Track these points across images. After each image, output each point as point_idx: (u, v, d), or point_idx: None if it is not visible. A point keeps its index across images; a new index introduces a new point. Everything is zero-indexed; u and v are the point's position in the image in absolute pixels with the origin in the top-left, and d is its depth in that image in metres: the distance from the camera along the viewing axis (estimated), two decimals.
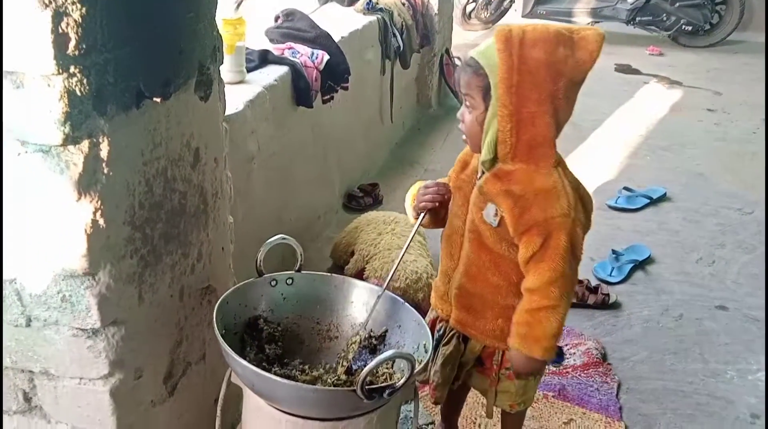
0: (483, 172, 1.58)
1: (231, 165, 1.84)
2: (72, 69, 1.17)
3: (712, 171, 4.19)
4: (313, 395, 1.42)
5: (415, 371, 1.39)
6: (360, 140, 3.72)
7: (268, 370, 1.54)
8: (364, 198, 3.49)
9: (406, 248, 1.67)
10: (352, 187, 3.58)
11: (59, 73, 1.15)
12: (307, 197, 3.10)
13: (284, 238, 1.68)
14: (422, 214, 1.68)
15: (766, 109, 4.84)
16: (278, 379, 1.39)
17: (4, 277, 1.33)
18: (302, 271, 1.71)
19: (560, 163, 1.53)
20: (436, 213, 1.71)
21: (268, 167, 2.59)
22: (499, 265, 1.60)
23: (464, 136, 1.60)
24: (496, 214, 1.54)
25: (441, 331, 1.76)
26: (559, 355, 2.47)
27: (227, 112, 1.96)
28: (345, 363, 1.60)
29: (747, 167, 4.24)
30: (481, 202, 1.57)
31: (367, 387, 1.33)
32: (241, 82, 2.49)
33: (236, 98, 2.34)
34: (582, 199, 1.55)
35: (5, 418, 1.50)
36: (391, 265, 1.71)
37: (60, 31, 1.13)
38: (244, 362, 1.40)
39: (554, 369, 2.44)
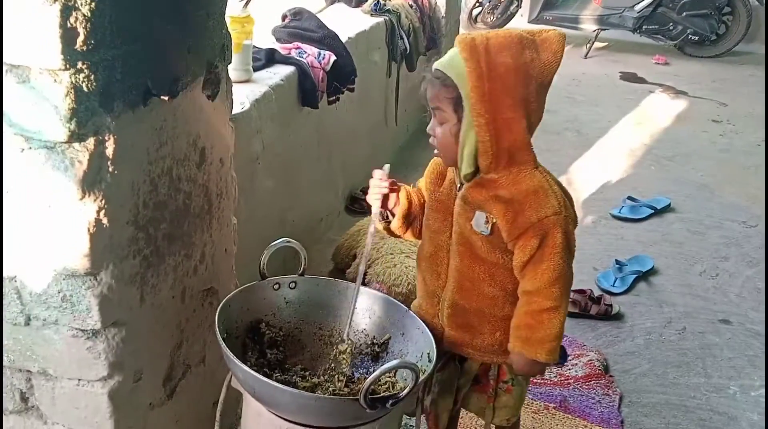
0: (461, 183, 1.54)
1: (235, 165, 1.81)
2: (79, 65, 1.15)
3: (716, 182, 4.18)
4: (315, 403, 1.39)
5: (419, 381, 1.37)
6: (364, 142, 3.69)
7: (269, 376, 1.52)
8: (366, 201, 3.46)
9: (367, 252, 1.63)
10: (355, 189, 3.56)
11: (66, 69, 1.13)
12: (310, 199, 3.07)
13: (288, 242, 1.66)
14: (376, 211, 1.61)
15: (767, 122, 4.82)
16: (279, 385, 1.37)
17: (6, 274, 1.30)
18: (306, 275, 1.68)
19: (538, 164, 1.51)
20: (407, 218, 1.65)
21: (273, 168, 2.57)
22: (493, 275, 1.55)
23: (436, 151, 1.54)
24: (487, 222, 1.49)
25: None
26: (562, 356, 2.42)
27: (233, 112, 1.94)
28: (342, 377, 1.56)
29: (751, 180, 4.22)
30: (468, 211, 1.52)
31: (370, 396, 1.31)
32: (247, 80, 2.47)
33: (242, 97, 2.31)
34: (566, 195, 1.54)
35: None
36: (363, 260, 1.63)
37: (68, 25, 1.11)
38: (246, 368, 1.37)
39: (555, 380, 2.42)
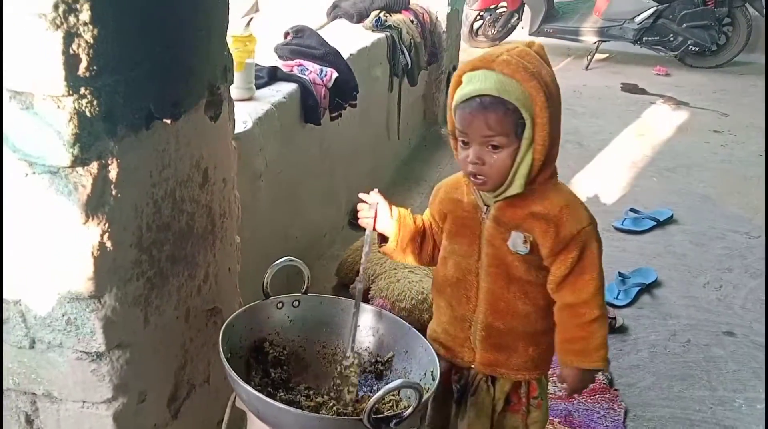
0: (487, 205, 1.53)
1: (238, 183, 1.82)
2: (82, 90, 1.16)
3: (718, 193, 4.17)
4: (319, 424, 1.40)
5: (423, 400, 1.37)
6: (366, 157, 3.70)
7: (273, 396, 1.53)
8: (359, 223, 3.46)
9: (363, 269, 1.60)
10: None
11: (69, 95, 1.14)
12: (313, 214, 3.08)
13: (291, 261, 1.66)
14: (368, 233, 1.59)
15: (767, 134, 4.82)
16: (283, 406, 1.37)
17: (10, 298, 1.31)
18: (309, 294, 1.69)
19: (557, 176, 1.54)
20: (419, 244, 1.65)
21: (275, 185, 2.58)
22: (527, 293, 1.55)
23: (481, 179, 1.47)
24: (525, 241, 1.49)
25: (462, 381, 1.67)
26: None
27: (236, 131, 1.95)
28: (352, 388, 1.56)
29: (754, 190, 4.22)
30: (503, 232, 1.51)
31: (373, 416, 1.31)
32: (250, 98, 2.49)
33: (245, 115, 2.33)
34: None
35: None
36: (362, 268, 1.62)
37: (71, 52, 1.12)
38: (250, 388, 1.38)
39: (560, 394, 2.41)
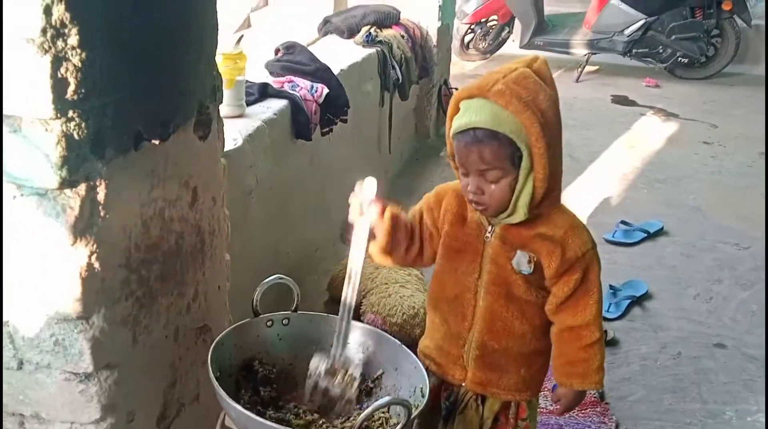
0: (491, 225, 1.53)
1: (229, 199, 1.83)
2: (70, 113, 1.16)
3: (708, 205, 4.20)
4: None
5: (412, 417, 1.37)
6: (358, 172, 3.67)
7: (263, 414, 1.52)
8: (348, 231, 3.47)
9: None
10: None
11: (57, 118, 1.15)
12: (305, 230, 3.09)
13: (281, 278, 1.67)
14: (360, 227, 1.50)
15: (767, 144, 4.85)
16: (273, 424, 1.36)
17: None
18: (299, 312, 1.69)
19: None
20: (405, 249, 1.59)
21: (266, 201, 2.58)
22: (525, 313, 1.56)
23: (481, 206, 1.47)
24: (529, 261, 1.49)
25: (452, 399, 1.67)
26: None
27: (226, 148, 1.96)
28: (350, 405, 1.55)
29: (743, 201, 4.25)
30: (508, 251, 1.51)
31: None
32: (240, 115, 2.50)
33: (235, 132, 2.34)
34: None
35: None
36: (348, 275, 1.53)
37: (59, 76, 1.13)
38: (239, 407, 1.38)
39: (551, 408, 2.41)
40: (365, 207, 1.51)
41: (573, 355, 1.55)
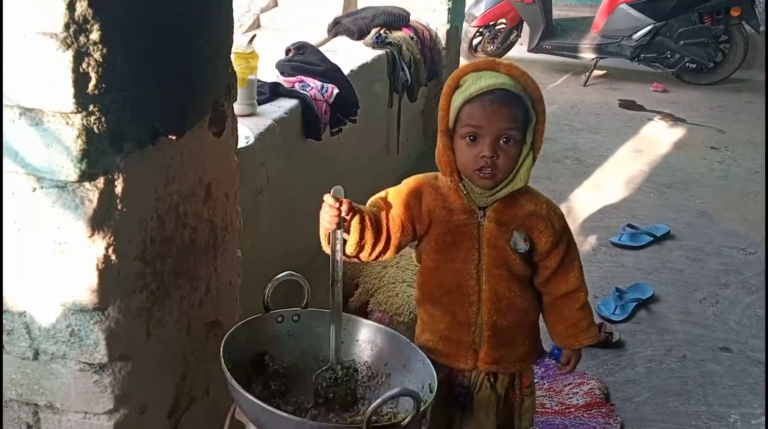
0: (481, 208, 1.58)
1: (240, 197, 1.85)
2: (91, 107, 1.19)
3: (715, 209, 4.20)
4: None
5: (421, 410, 1.39)
6: (366, 172, 3.73)
7: (275, 406, 1.54)
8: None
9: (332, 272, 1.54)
10: None
11: (78, 112, 1.17)
12: (314, 229, 3.09)
13: (292, 275, 1.69)
14: (337, 235, 1.49)
15: (767, 148, 4.86)
16: (284, 414, 1.39)
17: (15, 309, 1.33)
18: (309, 308, 1.71)
19: None
20: (372, 244, 1.55)
21: (277, 199, 2.61)
22: (524, 289, 1.65)
23: (489, 172, 1.49)
24: (525, 240, 1.58)
25: (465, 383, 1.70)
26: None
27: (238, 146, 1.98)
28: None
29: (750, 206, 4.25)
30: (506, 233, 1.58)
31: (372, 426, 1.33)
32: (252, 114, 2.52)
33: (247, 131, 2.36)
34: None
35: None
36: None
37: (81, 70, 1.15)
38: (251, 397, 1.39)
39: (556, 408, 2.43)
40: (333, 224, 1.50)
41: (573, 317, 1.68)
